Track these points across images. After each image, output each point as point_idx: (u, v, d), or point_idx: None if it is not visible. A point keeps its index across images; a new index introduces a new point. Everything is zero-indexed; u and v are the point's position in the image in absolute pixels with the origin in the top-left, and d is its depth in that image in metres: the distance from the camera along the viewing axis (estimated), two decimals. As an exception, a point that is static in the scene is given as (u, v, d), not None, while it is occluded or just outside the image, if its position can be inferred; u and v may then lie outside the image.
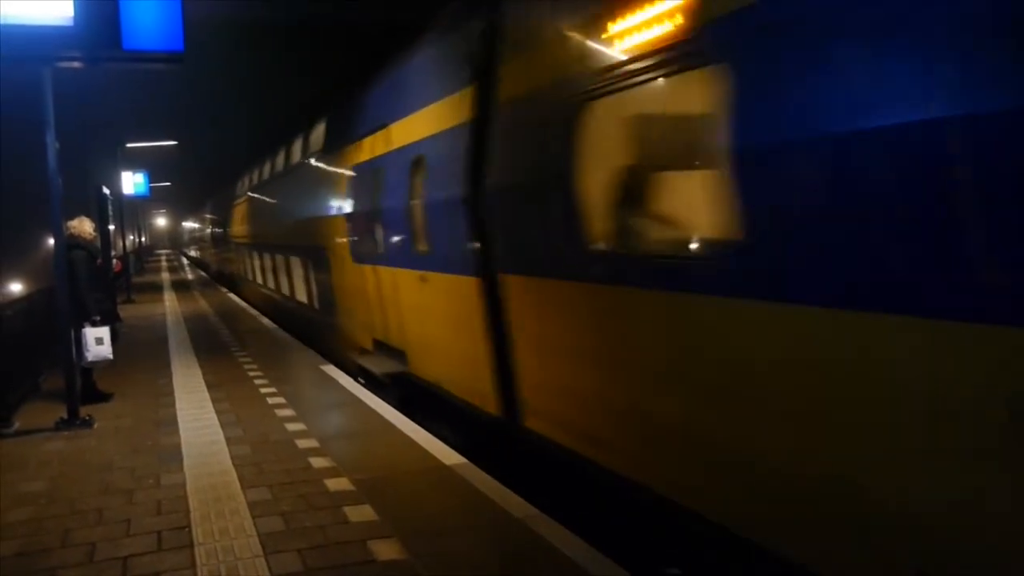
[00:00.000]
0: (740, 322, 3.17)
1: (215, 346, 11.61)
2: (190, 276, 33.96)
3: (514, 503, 4.60)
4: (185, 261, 51.69)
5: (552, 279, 4.64)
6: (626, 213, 4.14)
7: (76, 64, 6.79)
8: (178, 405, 7.54)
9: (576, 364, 4.46)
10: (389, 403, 7.37)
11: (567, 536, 4.10)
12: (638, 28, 3.74)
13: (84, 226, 7.89)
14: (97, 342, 7.28)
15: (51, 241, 7.09)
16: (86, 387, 7.59)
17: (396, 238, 7.56)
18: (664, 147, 4.34)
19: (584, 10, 4.28)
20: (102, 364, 7.52)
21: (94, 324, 7.32)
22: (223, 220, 24.56)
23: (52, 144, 6.64)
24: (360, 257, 8.84)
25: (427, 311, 6.90)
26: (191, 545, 4.14)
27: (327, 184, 10.61)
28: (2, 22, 6.07)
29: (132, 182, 28.16)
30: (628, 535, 4.29)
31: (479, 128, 5.45)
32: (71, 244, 7.53)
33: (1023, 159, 2.18)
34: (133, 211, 36.30)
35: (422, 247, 6.81)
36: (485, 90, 5.41)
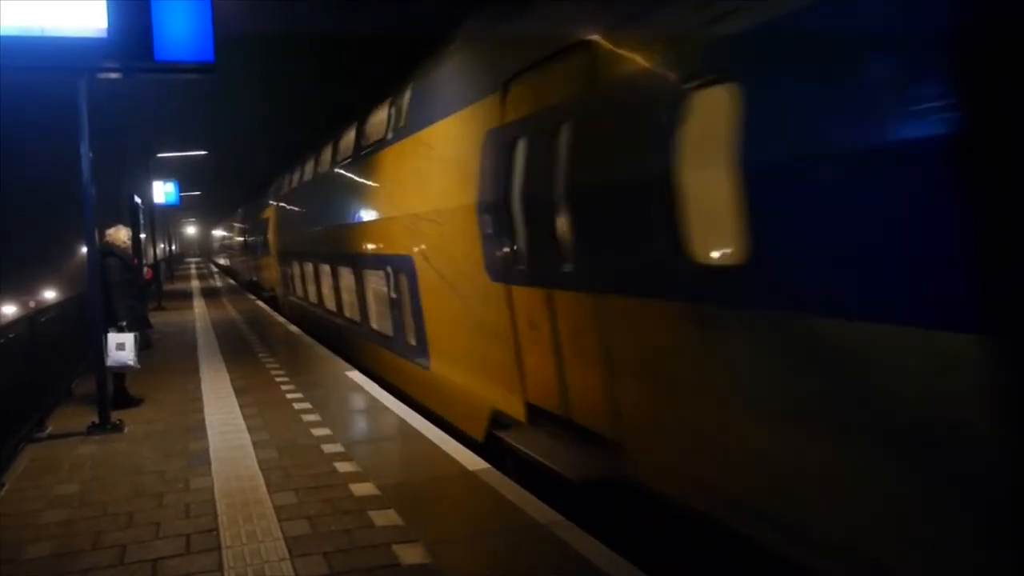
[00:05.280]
0: None
1: (243, 352, 11.74)
2: (219, 283, 34.39)
3: (539, 509, 4.59)
4: (214, 269, 52.35)
5: None
6: None
7: (110, 74, 6.93)
8: (206, 410, 7.63)
9: None
10: None
11: (592, 543, 4.08)
12: None
13: (120, 234, 8.02)
14: (118, 348, 7.25)
15: (84, 249, 7.20)
16: (117, 392, 7.71)
17: None
18: None
19: None
20: (122, 370, 7.52)
21: (120, 330, 7.39)
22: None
23: (86, 154, 6.78)
24: None
25: None
26: (219, 548, 4.19)
27: None
28: (37, 34, 6.22)
29: (163, 191, 28.74)
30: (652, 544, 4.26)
31: None
32: (105, 252, 7.68)
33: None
34: (164, 220, 36.91)
35: None
36: None
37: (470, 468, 5.44)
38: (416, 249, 7.84)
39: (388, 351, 9.48)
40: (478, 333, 6.57)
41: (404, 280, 8.30)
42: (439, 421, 6.95)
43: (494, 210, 5.87)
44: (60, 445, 6.54)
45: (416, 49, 8.88)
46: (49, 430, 7.02)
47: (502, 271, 5.87)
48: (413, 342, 8.31)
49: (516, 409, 5.89)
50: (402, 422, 6.92)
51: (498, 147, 5.80)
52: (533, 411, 5.67)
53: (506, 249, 5.75)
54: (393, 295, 8.85)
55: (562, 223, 4.94)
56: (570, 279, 4.90)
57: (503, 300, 5.85)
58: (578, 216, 4.79)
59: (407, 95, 8.55)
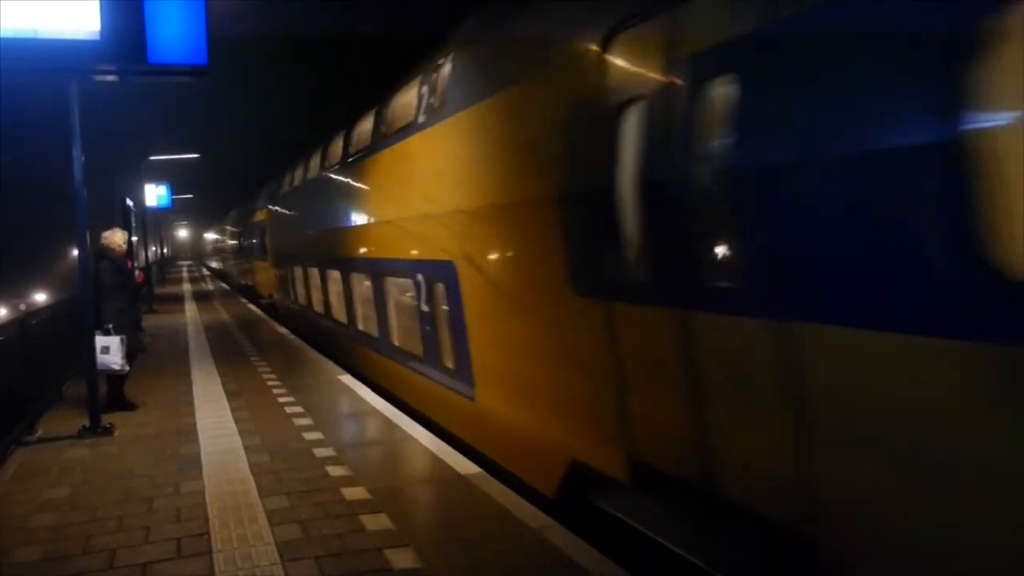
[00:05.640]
0: None
1: (234, 355, 11.71)
2: (211, 287, 34.28)
3: (529, 513, 4.60)
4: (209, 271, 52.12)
5: None
6: None
7: (103, 77, 6.92)
8: (198, 414, 7.61)
9: None
10: None
11: (582, 546, 4.09)
12: None
13: (115, 237, 7.99)
14: (103, 351, 7.15)
15: (76, 252, 7.18)
16: (114, 395, 7.68)
17: None
18: None
19: None
20: (109, 372, 7.44)
21: (107, 333, 7.31)
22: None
23: (78, 157, 6.76)
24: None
25: None
26: (210, 552, 4.18)
27: None
28: (31, 36, 6.21)
29: (155, 194, 28.67)
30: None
31: None
32: (98, 254, 7.66)
33: None
34: (156, 222, 36.81)
35: None
36: None
37: (461, 472, 5.44)
38: (460, 253, 6.45)
39: (414, 373, 8.14)
40: (552, 360, 5.19)
41: (441, 290, 6.97)
42: (485, 463, 5.84)
43: (590, 204, 4.44)
44: (50, 448, 6.51)
45: (415, 50, 8.69)
46: (39, 433, 6.98)
47: (599, 283, 4.47)
48: (451, 365, 6.96)
49: (612, 465, 4.49)
50: (394, 426, 6.91)
51: (599, 119, 4.31)
52: (640, 470, 4.26)
53: (609, 255, 4.30)
54: (424, 308, 7.47)
55: (724, 219, 3.50)
56: (738, 299, 3.42)
57: (598, 320, 4.46)
58: (765, 208, 3.25)
59: (446, 69, 6.89)
